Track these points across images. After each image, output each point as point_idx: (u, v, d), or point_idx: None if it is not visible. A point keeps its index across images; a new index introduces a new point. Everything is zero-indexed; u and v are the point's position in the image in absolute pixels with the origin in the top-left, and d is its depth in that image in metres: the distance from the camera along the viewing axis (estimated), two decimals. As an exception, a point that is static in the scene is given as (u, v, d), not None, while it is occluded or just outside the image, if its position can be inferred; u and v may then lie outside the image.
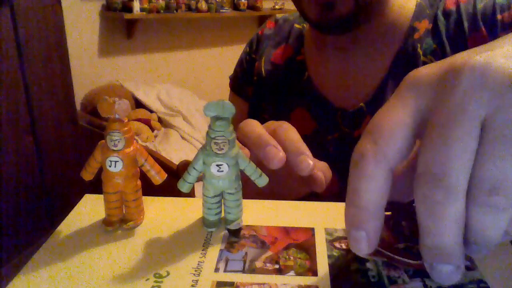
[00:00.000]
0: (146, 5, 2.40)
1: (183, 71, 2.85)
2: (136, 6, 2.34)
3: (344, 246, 0.29)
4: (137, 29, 2.53)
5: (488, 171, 0.19)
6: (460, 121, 0.19)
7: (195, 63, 2.90)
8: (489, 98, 0.19)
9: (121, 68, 2.55)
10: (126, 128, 0.29)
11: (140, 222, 0.32)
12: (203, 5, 2.65)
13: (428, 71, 0.22)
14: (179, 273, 0.26)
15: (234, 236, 0.30)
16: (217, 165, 0.29)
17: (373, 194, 0.21)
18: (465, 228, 0.20)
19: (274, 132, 0.37)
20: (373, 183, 0.21)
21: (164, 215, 0.33)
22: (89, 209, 0.34)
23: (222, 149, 0.28)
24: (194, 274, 0.26)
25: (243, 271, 0.26)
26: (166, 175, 0.32)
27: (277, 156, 0.34)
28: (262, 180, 0.30)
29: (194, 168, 0.30)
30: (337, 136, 0.55)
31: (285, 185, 0.38)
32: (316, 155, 0.36)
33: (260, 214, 0.33)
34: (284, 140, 0.35)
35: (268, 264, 0.27)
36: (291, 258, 0.28)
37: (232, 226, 0.30)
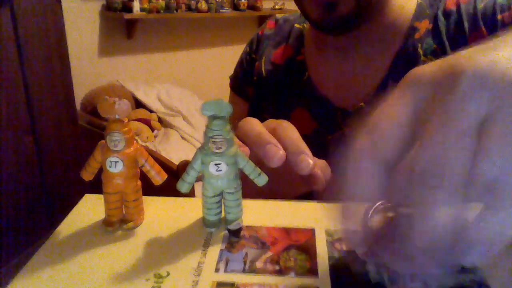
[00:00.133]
0: (146, 5, 2.40)
1: (183, 71, 2.85)
2: (136, 6, 2.34)
3: (344, 248, 0.29)
4: (137, 29, 2.53)
5: (488, 171, 0.18)
6: (459, 120, 0.19)
7: (195, 63, 2.90)
8: (489, 99, 0.19)
9: (121, 68, 2.55)
10: (126, 129, 0.29)
11: (140, 222, 0.32)
12: (203, 5, 2.65)
13: (428, 69, 0.22)
14: (179, 274, 0.26)
15: (234, 236, 0.30)
16: (216, 164, 0.29)
17: (367, 189, 0.21)
18: (465, 230, 0.20)
19: (274, 130, 0.37)
20: (368, 178, 0.21)
21: (164, 215, 0.33)
22: (89, 209, 0.34)
23: (220, 148, 0.28)
24: (194, 274, 0.26)
25: (244, 271, 0.26)
26: (167, 176, 0.32)
27: (277, 154, 0.34)
28: (261, 179, 0.30)
29: (192, 167, 0.30)
30: (337, 136, 0.55)
31: (285, 183, 0.38)
32: (316, 155, 0.36)
33: (261, 214, 0.33)
34: (284, 139, 0.35)
35: (268, 265, 0.27)
36: (292, 259, 0.28)
37: (232, 226, 0.30)
